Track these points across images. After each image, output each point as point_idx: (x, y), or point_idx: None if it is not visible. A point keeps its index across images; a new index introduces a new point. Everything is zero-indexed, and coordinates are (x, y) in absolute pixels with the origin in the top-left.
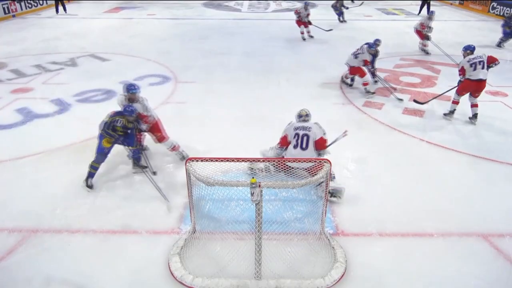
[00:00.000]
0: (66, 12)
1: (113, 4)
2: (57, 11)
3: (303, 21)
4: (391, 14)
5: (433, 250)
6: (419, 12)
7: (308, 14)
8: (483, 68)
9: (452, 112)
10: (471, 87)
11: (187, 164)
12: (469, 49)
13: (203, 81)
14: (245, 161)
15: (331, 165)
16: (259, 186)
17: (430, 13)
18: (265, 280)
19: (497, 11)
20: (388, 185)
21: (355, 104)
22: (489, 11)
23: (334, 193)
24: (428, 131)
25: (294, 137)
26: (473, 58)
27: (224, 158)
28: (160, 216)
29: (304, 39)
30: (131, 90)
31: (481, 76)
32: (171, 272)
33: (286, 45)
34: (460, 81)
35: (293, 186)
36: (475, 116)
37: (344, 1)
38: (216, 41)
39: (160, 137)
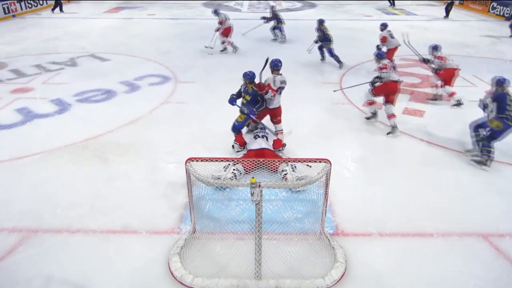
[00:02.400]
0: (62, 11)
1: (113, 4)
2: (53, 9)
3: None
4: (391, 14)
5: (433, 250)
6: (446, 15)
7: (220, 21)
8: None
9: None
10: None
11: (187, 164)
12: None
13: (203, 81)
14: (245, 161)
15: (331, 165)
16: (259, 186)
17: None
18: (265, 280)
19: (497, 11)
20: (388, 185)
21: (355, 104)
22: (489, 11)
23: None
24: (428, 131)
25: (254, 137)
26: (388, 62)
27: (224, 158)
28: (160, 216)
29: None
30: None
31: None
32: (171, 272)
33: (286, 45)
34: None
35: (293, 186)
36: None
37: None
38: (216, 41)
39: (278, 121)
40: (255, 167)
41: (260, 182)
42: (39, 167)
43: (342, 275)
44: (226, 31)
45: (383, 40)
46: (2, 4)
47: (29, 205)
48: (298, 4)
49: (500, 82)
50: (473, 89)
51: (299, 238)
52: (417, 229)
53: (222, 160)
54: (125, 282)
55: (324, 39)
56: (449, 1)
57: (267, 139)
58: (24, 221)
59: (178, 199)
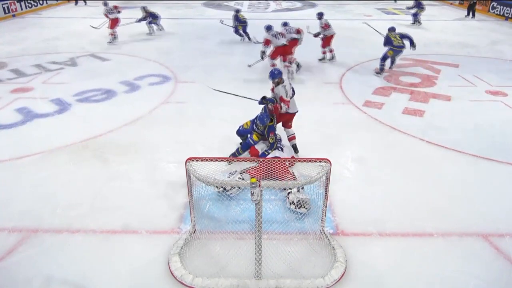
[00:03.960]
0: (76, 3)
1: (113, 4)
2: (76, 2)
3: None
4: (391, 14)
5: (433, 250)
6: (468, 14)
7: (105, 14)
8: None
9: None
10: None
11: (187, 164)
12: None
13: (203, 81)
14: (245, 161)
15: (331, 165)
16: (259, 186)
17: None
18: (265, 280)
19: (497, 11)
20: (388, 185)
21: (355, 104)
22: (489, 11)
23: (302, 204)
24: (428, 131)
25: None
26: (275, 32)
27: (224, 158)
28: (160, 216)
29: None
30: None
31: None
32: (171, 272)
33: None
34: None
35: (293, 186)
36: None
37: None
38: (216, 41)
39: (290, 125)
40: (262, 178)
41: (260, 182)
42: (39, 167)
43: (342, 275)
44: (113, 23)
45: (326, 26)
46: (2, 4)
47: (29, 205)
48: (298, 4)
49: (389, 29)
50: (473, 89)
51: (299, 238)
52: (417, 229)
53: (222, 160)
54: (125, 282)
55: (241, 22)
56: (472, 2)
57: (282, 150)
58: (24, 221)
59: (178, 199)
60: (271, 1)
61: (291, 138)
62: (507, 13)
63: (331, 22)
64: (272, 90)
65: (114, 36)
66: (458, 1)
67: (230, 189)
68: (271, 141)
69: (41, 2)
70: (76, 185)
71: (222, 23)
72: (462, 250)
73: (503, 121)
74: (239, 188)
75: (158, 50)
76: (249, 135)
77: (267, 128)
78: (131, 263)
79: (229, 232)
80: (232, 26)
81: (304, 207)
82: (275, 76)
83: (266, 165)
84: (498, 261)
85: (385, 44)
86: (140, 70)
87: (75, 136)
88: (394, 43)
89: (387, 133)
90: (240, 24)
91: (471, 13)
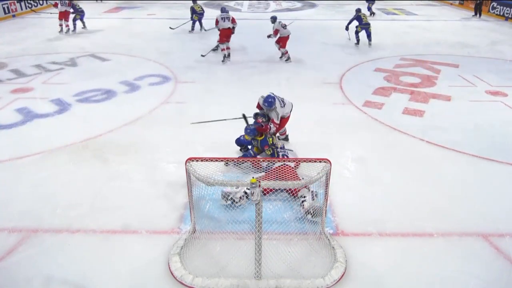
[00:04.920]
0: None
1: (113, 4)
2: None
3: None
4: (391, 14)
5: (433, 250)
6: (475, 13)
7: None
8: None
9: None
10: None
11: (187, 164)
12: (222, 11)
13: (203, 81)
14: (245, 161)
15: (331, 165)
16: (259, 186)
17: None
18: (265, 280)
19: (497, 11)
20: (388, 185)
21: (355, 104)
22: (489, 11)
23: (318, 213)
24: (428, 131)
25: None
26: (224, 15)
27: (224, 158)
28: (160, 216)
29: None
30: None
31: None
32: (171, 272)
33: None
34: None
35: (293, 186)
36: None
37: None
38: (216, 41)
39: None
40: (272, 190)
41: (260, 182)
42: (39, 167)
43: (342, 275)
44: (60, 15)
45: (276, 33)
46: (2, 4)
47: (29, 205)
48: (298, 4)
49: (357, 10)
50: (473, 89)
51: (299, 238)
52: (417, 229)
53: (222, 160)
54: (125, 282)
55: (198, 13)
56: (478, 1)
57: (287, 157)
58: (24, 221)
59: (178, 199)
60: (271, 1)
61: (282, 133)
62: (507, 13)
63: (331, 22)
64: (258, 107)
65: (62, 28)
66: (458, 1)
67: (239, 200)
68: (268, 153)
69: (41, 2)
70: (76, 185)
71: (172, 28)
72: (462, 250)
73: (503, 121)
74: (247, 198)
75: (158, 50)
76: (250, 147)
77: (259, 143)
78: (131, 263)
79: (229, 232)
80: (190, 22)
81: (320, 215)
82: (272, 105)
83: (273, 173)
84: (498, 261)
85: (357, 19)
86: (140, 70)
87: (75, 136)
88: (363, 21)
89: (387, 133)
90: (196, 15)
91: (478, 13)
